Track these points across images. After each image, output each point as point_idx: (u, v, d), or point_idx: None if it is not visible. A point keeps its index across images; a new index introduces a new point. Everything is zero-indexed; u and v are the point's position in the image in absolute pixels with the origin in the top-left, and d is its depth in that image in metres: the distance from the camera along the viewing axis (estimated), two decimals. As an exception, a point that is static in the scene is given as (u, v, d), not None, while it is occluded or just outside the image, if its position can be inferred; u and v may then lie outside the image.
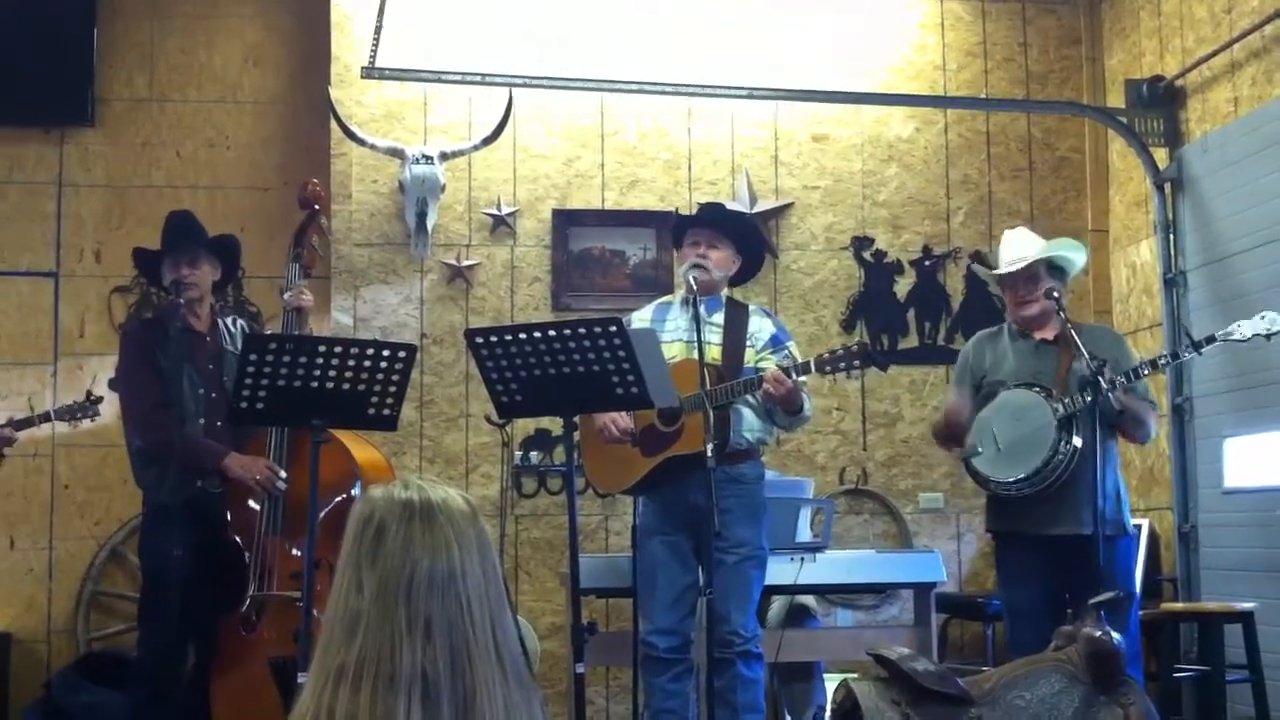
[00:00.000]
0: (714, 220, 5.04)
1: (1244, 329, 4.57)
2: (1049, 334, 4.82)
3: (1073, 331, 4.65)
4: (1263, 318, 4.55)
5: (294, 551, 4.84)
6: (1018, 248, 4.93)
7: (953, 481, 7.02)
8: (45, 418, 5.72)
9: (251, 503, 4.93)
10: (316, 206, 5.31)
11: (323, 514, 4.60)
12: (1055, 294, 4.78)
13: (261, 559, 4.88)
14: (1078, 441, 4.55)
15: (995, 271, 4.98)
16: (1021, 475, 4.65)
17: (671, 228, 5.42)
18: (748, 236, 5.18)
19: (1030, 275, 4.87)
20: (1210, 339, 4.60)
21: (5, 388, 6.83)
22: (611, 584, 5.35)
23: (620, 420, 4.81)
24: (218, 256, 5.15)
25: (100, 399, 5.73)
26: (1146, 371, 4.68)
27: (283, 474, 4.87)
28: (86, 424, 5.77)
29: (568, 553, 4.15)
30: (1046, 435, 4.60)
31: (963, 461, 4.91)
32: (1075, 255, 4.97)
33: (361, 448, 5.08)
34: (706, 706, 4.69)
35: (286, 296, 5.14)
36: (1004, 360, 4.93)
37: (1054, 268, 4.91)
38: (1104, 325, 6.27)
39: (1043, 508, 4.67)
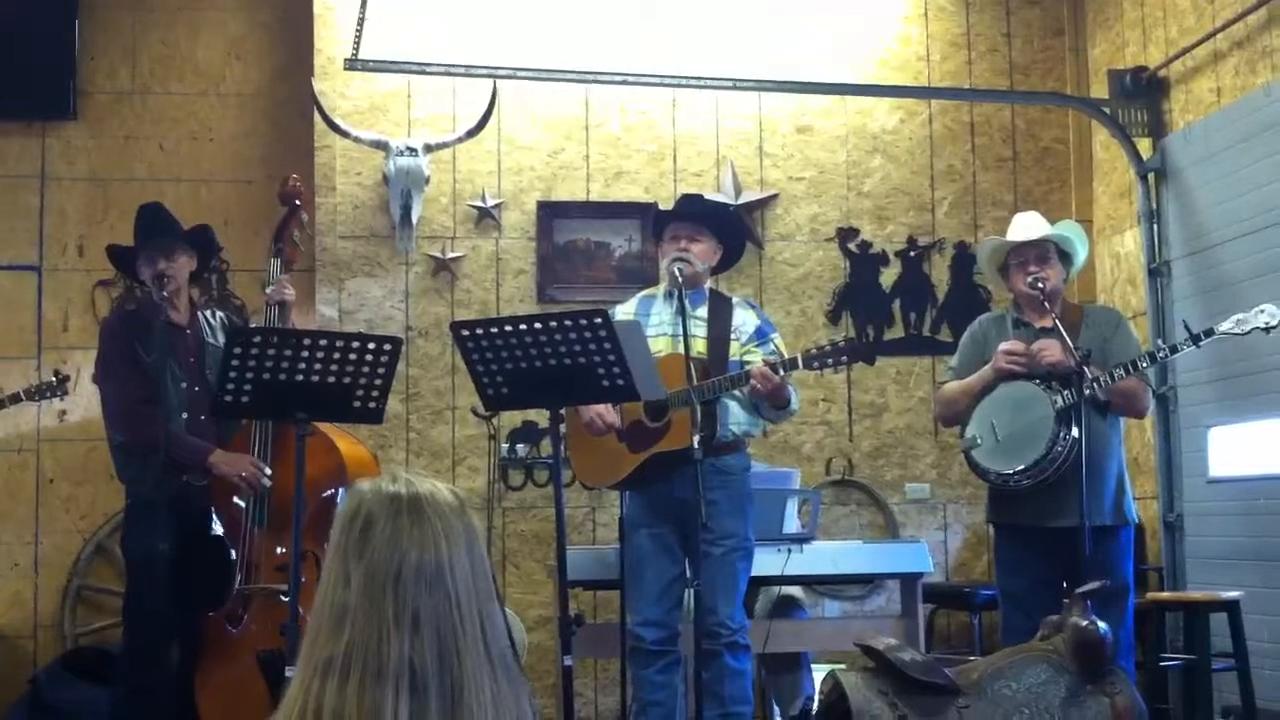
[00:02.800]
0: (694, 213, 5.04)
1: (1244, 323, 4.56)
2: (1048, 323, 4.78)
3: (1059, 323, 4.65)
4: (1262, 311, 4.53)
5: (279, 550, 4.83)
6: (1031, 227, 4.92)
7: (939, 472, 7.03)
8: (15, 398, 5.73)
9: (236, 499, 4.92)
10: (297, 202, 5.30)
11: (311, 508, 4.60)
12: (1040, 284, 4.77)
13: (247, 553, 4.87)
14: (1076, 433, 4.52)
15: (1010, 239, 4.95)
16: (1021, 467, 4.65)
17: (651, 221, 5.41)
18: (728, 226, 5.18)
19: (1043, 253, 4.86)
20: (1209, 332, 4.58)
21: (-12, 382, 6.81)
22: (599, 576, 5.35)
23: (607, 415, 4.81)
24: (193, 247, 5.13)
25: (67, 378, 5.74)
26: (1144, 364, 4.67)
27: (268, 471, 4.86)
28: (71, 418, 5.76)
29: (555, 545, 4.15)
30: (1045, 427, 4.59)
31: (963, 453, 4.92)
32: (1082, 250, 4.97)
33: (348, 443, 5.07)
34: (694, 698, 4.70)
35: (269, 291, 5.13)
36: None
37: (1062, 254, 4.91)
38: (1108, 307, 6.24)
39: (1042, 499, 4.67)
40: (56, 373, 5.76)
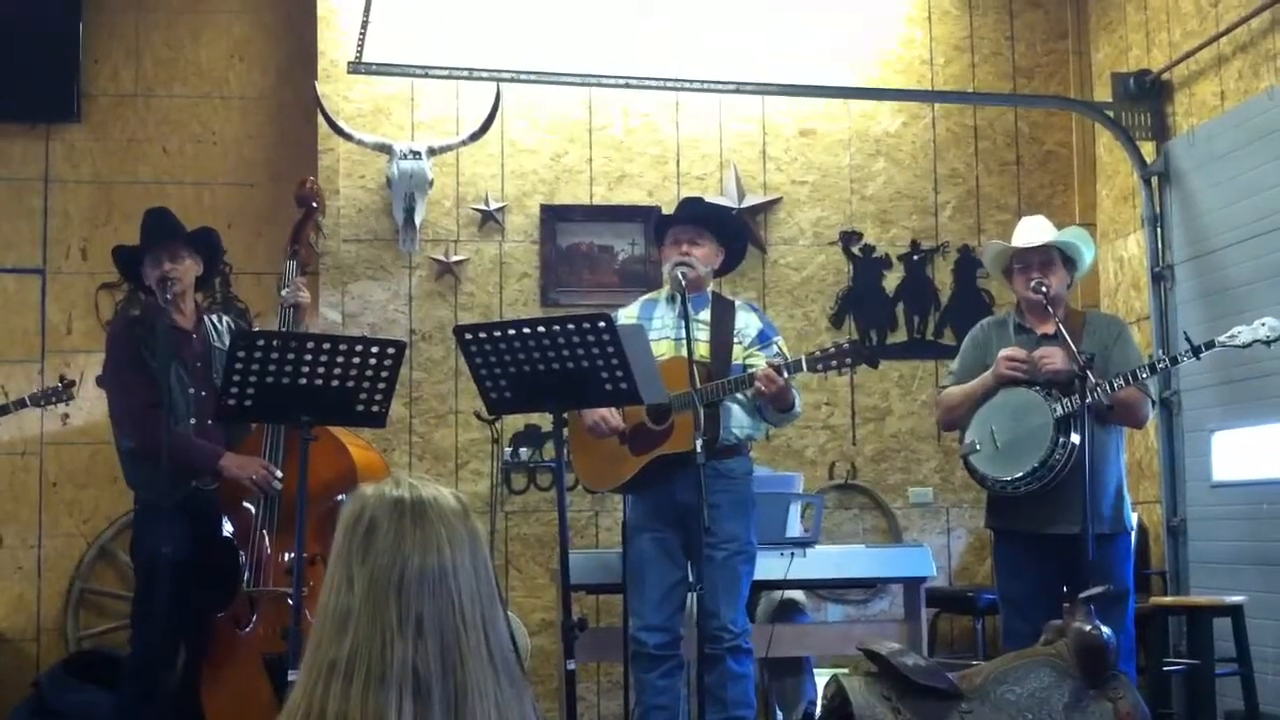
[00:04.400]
0: (695, 217, 5.04)
1: (1243, 335, 4.54)
2: (1050, 329, 4.77)
3: (1063, 328, 4.64)
4: (1263, 324, 4.52)
5: (288, 554, 4.82)
6: (1036, 232, 4.92)
7: (942, 476, 7.03)
8: (21, 404, 5.73)
9: (246, 503, 4.92)
10: (314, 204, 5.31)
11: (323, 512, 4.59)
12: (1044, 287, 4.76)
13: (257, 556, 4.87)
14: (1076, 439, 4.52)
15: (1014, 245, 4.93)
16: (1019, 474, 4.65)
17: (653, 226, 5.41)
18: (729, 229, 5.18)
19: (1047, 259, 4.85)
20: (1210, 344, 4.58)
21: (-8, 385, 6.81)
22: (602, 580, 5.35)
23: (611, 418, 4.81)
24: (198, 251, 5.13)
25: (73, 383, 5.74)
26: (1144, 374, 4.65)
27: (279, 473, 4.86)
28: (74, 421, 5.72)
29: (558, 549, 4.15)
30: (1044, 434, 4.59)
31: (961, 459, 4.91)
32: (1088, 255, 4.96)
33: (360, 448, 5.08)
34: (697, 702, 4.70)
35: (284, 293, 5.14)
36: None
37: (1067, 259, 4.90)
38: (1110, 315, 6.24)
39: (1040, 506, 4.66)
40: (62, 378, 5.77)
